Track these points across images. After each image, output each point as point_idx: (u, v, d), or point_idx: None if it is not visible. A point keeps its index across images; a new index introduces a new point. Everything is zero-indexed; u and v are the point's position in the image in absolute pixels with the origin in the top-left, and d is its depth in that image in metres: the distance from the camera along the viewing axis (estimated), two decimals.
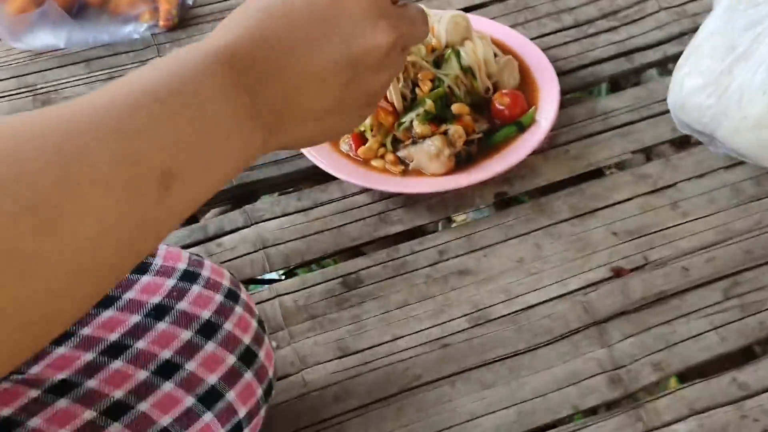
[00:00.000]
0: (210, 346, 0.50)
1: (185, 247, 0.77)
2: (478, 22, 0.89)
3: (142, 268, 0.52)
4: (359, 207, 0.78)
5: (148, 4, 0.94)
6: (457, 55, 0.79)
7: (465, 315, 0.70)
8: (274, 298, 0.72)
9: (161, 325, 0.49)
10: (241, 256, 0.76)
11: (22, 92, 0.91)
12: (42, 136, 0.29)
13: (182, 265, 0.53)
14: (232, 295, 0.53)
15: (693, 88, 0.74)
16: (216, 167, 0.35)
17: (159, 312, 0.50)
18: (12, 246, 0.26)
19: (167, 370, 0.48)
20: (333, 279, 0.73)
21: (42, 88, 0.91)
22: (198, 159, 0.33)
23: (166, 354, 0.49)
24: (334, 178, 0.78)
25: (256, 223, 0.78)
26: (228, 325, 0.51)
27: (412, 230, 0.77)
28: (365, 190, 0.78)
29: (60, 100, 0.90)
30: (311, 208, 0.79)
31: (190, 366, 0.49)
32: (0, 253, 0.26)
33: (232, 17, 0.38)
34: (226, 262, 0.75)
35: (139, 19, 0.94)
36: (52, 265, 0.28)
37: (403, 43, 0.42)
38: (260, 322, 0.54)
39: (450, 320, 0.69)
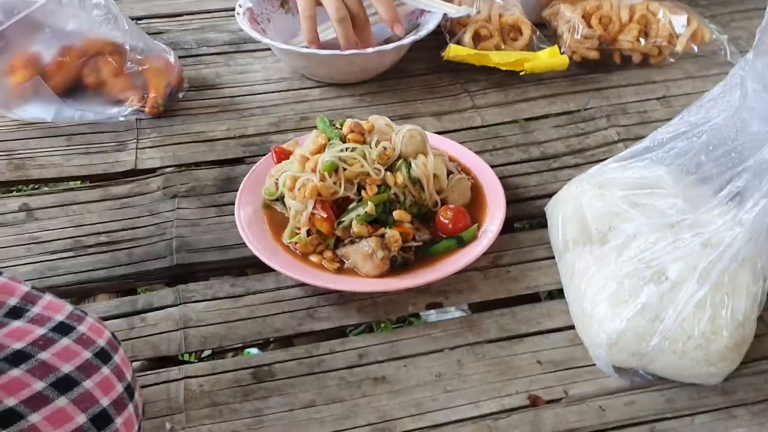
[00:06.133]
0: (61, 401, 0.49)
1: (110, 317, 0.76)
2: (442, 141, 0.91)
3: (17, 314, 0.52)
4: (290, 300, 0.77)
5: (139, 91, 0.99)
6: (408, 165, 0.80)
7: (369, 424, 0.66)
8: (181, 379, 0.70)
9: (14, 372, 0.48)
10: (161, 333, 0.74)
11: (0, 155, 0.95)
12: None
13: (60, 317, 0.52)
14: (102, 355, 0.52)
15: (633, 313, 0.64)
16: None
17: (17, 358, 0.49)
18: None
19: (6, 419, 0.47)
20: (244, 368, 0.71)
21: (19, 153, 0.95)
22: None
23: (10, 402, 0.47)
24: (273, 270, 0.78)
25: (185, 303, 0.77)
26: (88, 384, 0.50)
27: (339, 329, 0.76)
28: (300, 284, 0.78)
29: (33, 167, 0.94)
30: (242, 296, 0.78)
31: (33, 418, 0.47)
32: None
33: None
34: (145, 337, 0.74)
35: (127, 104, 0.99)
36: None
37: None
38: (129, 389, 0.53)
39: (352, 428, 0.66)
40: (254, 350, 0.84)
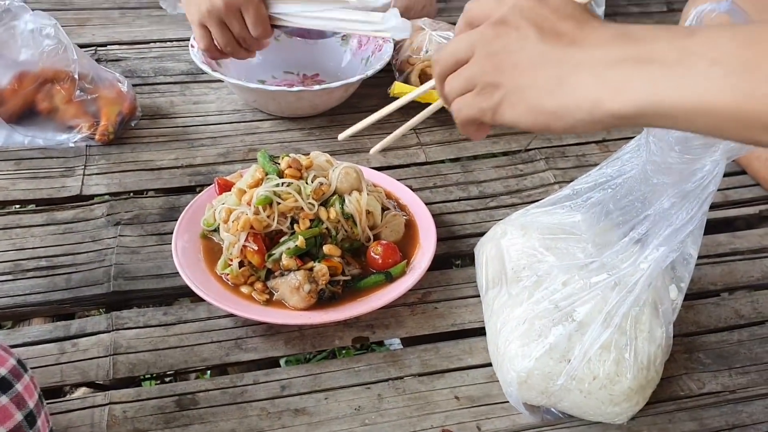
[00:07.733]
0: None
1: (43, 341, 0.77)
2: (382, 178, 0.94)
3: None
4: (219, 329, 0.79)
5: (91, 119, 1.02)
6: (342, 201, 0.83)
7: None
8: (106, 405, 0.71)
9: None
10: (90, 359, 0.76)
11: None
12: None
13: None
14: (2, 384, 0.53)
15: (542, 353, 0.67)
16: None
17: None
18: None
19: None
20: (169, 396, 0.73)
21: None
22: None
23: None
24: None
25: (117, 330, 0.79)
26: None
27: (265, 360, 0.78)
28: (230, 315, 0.80)
29: None
30: (173, 324, 0.80)
31: None
32: None
33: None
34: (74, 362, 0.76)
35: (77, 130, 1.01)
36: None
37: None
38: (30, 417, 0.54)
39: None
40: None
